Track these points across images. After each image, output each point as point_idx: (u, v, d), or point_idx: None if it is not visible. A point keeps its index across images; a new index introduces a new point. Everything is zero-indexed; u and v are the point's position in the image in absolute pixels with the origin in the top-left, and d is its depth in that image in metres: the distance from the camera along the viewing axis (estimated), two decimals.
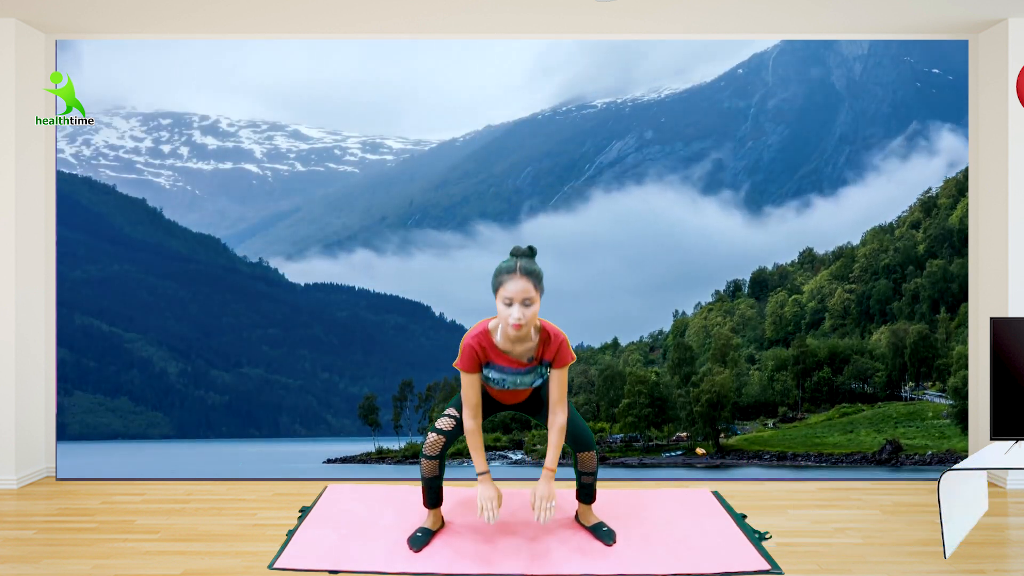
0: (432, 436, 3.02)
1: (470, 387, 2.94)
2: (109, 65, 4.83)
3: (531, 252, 2.90)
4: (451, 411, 3.06)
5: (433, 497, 3.15)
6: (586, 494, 3.22)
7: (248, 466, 4.72)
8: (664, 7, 4.15)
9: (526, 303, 2.77)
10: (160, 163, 5.47)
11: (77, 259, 4.85)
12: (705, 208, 5.33)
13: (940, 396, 4.96)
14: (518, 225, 5.47)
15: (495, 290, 2.82)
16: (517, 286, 2.75)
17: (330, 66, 5.17)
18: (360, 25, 4.42)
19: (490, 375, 2.98)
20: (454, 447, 3.60)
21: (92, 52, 4.68)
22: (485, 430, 5.03)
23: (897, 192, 5.17)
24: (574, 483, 3.26)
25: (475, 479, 4.38)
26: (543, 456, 5.22)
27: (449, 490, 3.48)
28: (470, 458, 4.99)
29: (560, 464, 3.07)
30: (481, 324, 2.96)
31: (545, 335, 2.93)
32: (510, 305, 2.77)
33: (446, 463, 3.68)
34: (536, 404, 3.20)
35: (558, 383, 2.95)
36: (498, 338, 2.91)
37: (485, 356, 2.93)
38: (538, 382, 3.03)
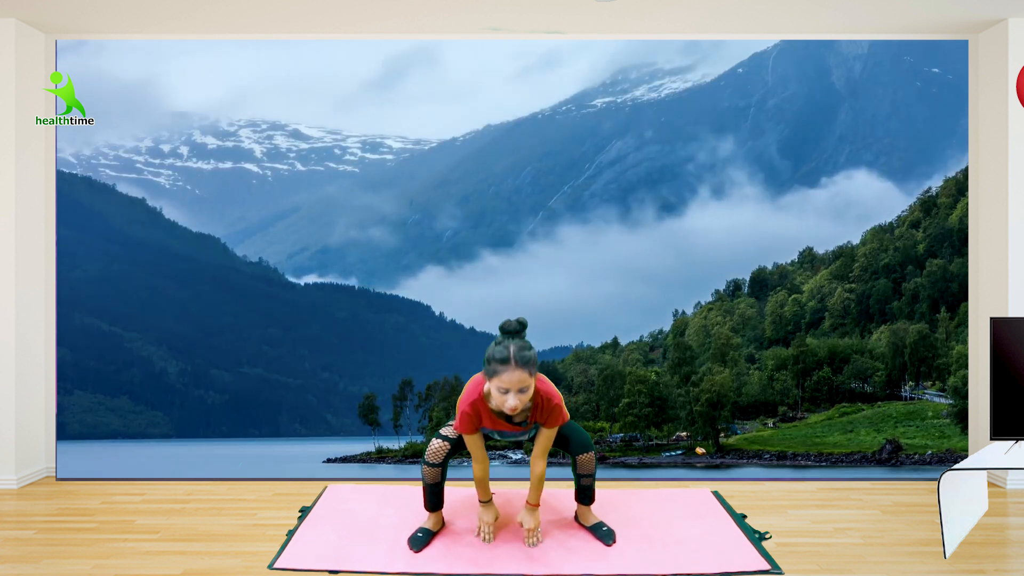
0: (437, 443, 3.04)
1: (473, 443, 2.98)
2: (110, 65, 4.82)
3: (521, 327, 2.78)
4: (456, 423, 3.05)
5: (434, 501, 3.16)
6: (585, 495, 3.22)
7: (248, 466, 4.72)
8: (664, 7, 4.15)
9: (522, 391, 2.70)
10: (160, 163, 5.47)
11: (77, 259, 4.85)
12: (705, 207, 5.33)
13: (940, 396, 4.96)
14: (518, 225, 5.47)
15: (488, 376, 2.74)
16: (513, 377, 2.67)
17: (330, 65, 5.17)
18: (360, 25, 4.42)
19: (491, 434, 3.04)
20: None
21: (92, 52, 4.67)
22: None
23: (897, 191, 5.17)
24: (573, 484, 3.26)
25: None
26: None
27: (449, 490, 3.48)
28: (470, 458, 4.99)
29: (559, 464, 3.08)
30: (476, 385, 2.89)
31: (539, 400, 2.85)
32: (505, 393, 2.69)
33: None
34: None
35: (544, 438, 2.96)
36: (493, 404, 2.85)
37: (480, 422, 2.91)
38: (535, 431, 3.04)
